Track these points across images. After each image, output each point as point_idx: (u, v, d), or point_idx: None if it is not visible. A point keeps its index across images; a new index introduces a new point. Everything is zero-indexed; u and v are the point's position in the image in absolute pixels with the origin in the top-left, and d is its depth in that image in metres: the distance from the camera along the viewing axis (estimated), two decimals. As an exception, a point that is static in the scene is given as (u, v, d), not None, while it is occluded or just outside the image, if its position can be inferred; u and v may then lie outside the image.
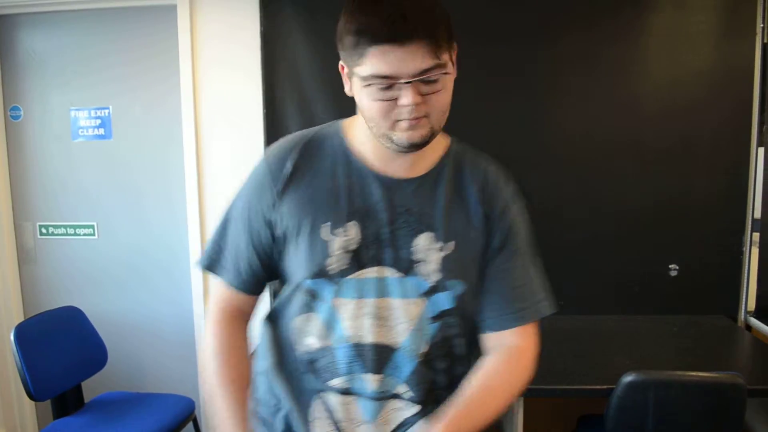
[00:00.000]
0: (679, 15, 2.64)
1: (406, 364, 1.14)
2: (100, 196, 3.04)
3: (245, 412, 1.17)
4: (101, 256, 3.07)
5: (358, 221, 1.13)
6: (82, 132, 3.01)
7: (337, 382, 1.15)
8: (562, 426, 2.49)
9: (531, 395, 2.04)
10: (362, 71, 1.02)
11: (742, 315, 2.73)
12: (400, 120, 1.04)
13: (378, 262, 1.13)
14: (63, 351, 2.58)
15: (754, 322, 2.66)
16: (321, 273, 1.12)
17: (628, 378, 1.87)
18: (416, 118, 1.03)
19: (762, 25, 2.60)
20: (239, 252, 1.20)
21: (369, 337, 1.13)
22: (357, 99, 1.09)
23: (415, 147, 1.07)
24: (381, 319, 1.13)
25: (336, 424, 1.16)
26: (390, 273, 1.13)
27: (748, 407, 1.85)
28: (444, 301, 1.14)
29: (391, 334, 1.13)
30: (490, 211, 1.19)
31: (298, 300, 1.17)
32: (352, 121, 1.21)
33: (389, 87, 1.01)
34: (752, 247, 2.70)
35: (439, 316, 1.15)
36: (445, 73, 1.04)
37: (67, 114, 3.01)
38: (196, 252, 2.93)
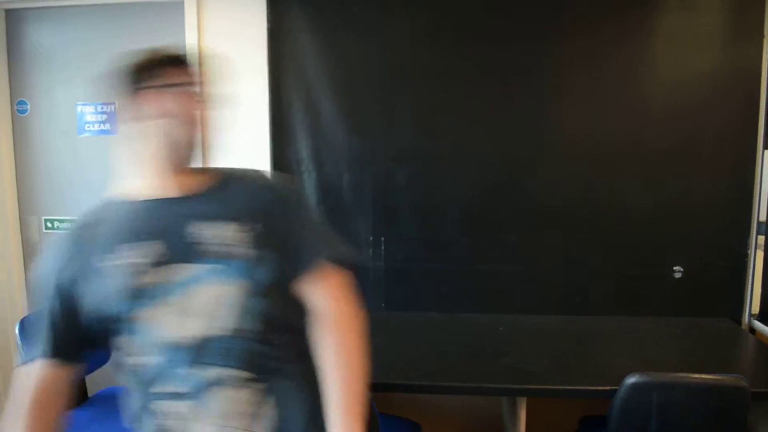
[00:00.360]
0: (686, 17, 2.64)
1: (238, 348, 1.18)
2: (107, 191, 3.03)
3: None
4: (106, 250, 3.07)
5: (137, 239, 1.19)
6: (88, 127, 3.02)
7: (168, 388, 1.18)
8: (565, 426, 2.49)
9: (533, 395, 2.04)
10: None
11: (746, 318, 2.73)
12: (169, 150, 1.27)
13: (168, 262, 1.18)
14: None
15: (758, 325, 2.66)
16: (120, 294, 1.16)
17: (631, 379, 1.87)
18: (180, 149, 1.27)
19: (770, 28, 2.60)
20: (50, 323, 1.24)
21: (185, 332, 1.17)
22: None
23: (178, 172, 1.26)
24: (189, 311, 1.17)
25: (171, 428, 1.19)
26: (202, 267, 1.18)
27: (751, 410, 1.85)
28: (260, 276, 1.20)
29: (207, 322, 1.17)
30: (271, 195, 1.31)
31: (109, 329, 1.20)
32: (115, 185, 1.33)
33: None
34: (757, 250, 2.70)
35: (259, 292, 1.20)
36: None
37: (74, 109, 3.01)
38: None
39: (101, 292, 1.17)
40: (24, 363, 1.22)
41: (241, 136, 2.87)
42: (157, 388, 1.18)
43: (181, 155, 1.26)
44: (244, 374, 1.19)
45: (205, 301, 1.17)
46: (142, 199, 1.24)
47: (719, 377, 1.87)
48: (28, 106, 3.04)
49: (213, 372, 1.17)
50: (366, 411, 1.23)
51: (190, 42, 2.82)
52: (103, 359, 2.70)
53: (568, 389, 2.01)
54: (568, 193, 2.75)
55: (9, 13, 2.98)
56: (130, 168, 1.28)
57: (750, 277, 2.71)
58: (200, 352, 1.16)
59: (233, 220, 1.22)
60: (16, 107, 3.05)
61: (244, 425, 1.19)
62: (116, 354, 1.23)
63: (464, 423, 2.89)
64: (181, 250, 1.18)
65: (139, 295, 1.16)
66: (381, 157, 2.79)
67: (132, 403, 1.23)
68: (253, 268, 1.20)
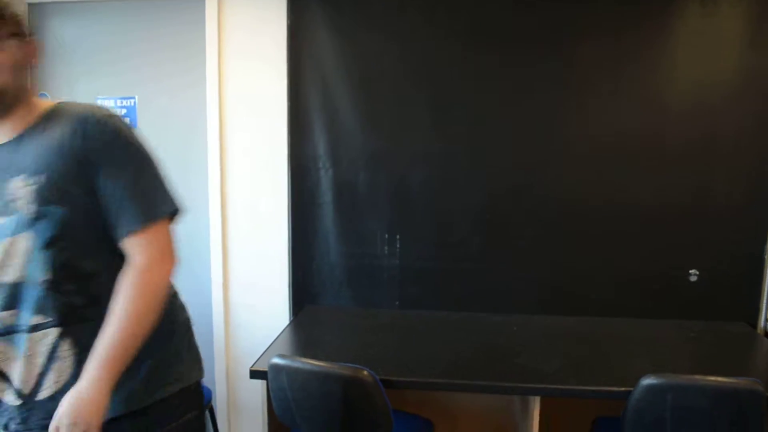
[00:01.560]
0: (706, 22, 2.62)
1: (35, 294, 1.29)
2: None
3: None
4: (123, 243, 3.10)
5: None
6: (107, 121, 3.04)
7: None
8: (578, 427, 2.48)
9: (548, 395, 2.04)
10: None
11: (762, 322, 2.71)
12: None
13: None
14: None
15: (774, 329, 2.64)
16: None
17: (646, 381, 1.86)
18: None
19: (791, 31, 2.58)
20: None
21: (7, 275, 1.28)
22: None
23: None
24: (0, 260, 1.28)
25: None
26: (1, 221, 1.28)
27: (767, 414, 1.84)
28: (46, 228, 1.27)
29: (12, 271, 1.28)
30: (82, 140, 1.29)
31: None
32: None
33: None
34: (774, 255, 2.69)
35: (49, 243, 1.28)
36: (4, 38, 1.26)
37: (94, 102, 3.04)
38: (216, 242, 2.96)
39: None
40: None
41: (259, 132, 2.89)
42: None
43: None
44: (39, 319, 1.29)
45: (6, 251, 1.28)
46: None
47: (734, 380, 1.86)
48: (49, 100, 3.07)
49: (11, 315, 1.30)
50: (121, 362, 1.27)
51: (210, 38, 2.84)
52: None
53: (581, 389, 2.01)
54: (585, 195, 2.74)
55: (32, 7, 3.01)
56: None
57: (766, 281, 2.70)
58: (3, 297, 1.29)
59: (22, 172, 1.28)
60: (37, 100, 3.08)
61: (44, 364, 1.31)
62: None
63: (477, 422, 2.89)
64: None
65: None
66: (397, 156, 2.80)
67: None
68: (34, 223, 1.27)
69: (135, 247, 1.33)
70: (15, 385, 1.32)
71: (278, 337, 2.49)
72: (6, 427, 1.35)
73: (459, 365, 2.19)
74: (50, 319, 1.30)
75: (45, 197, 1.27)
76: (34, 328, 1.29)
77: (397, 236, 2.83)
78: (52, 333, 1.30)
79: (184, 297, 3.17)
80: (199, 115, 2.94)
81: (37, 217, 1.27)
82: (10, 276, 1.28)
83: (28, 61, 1.32)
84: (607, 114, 2.70)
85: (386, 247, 2.84)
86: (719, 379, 1.87)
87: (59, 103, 1.38)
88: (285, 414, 2.05)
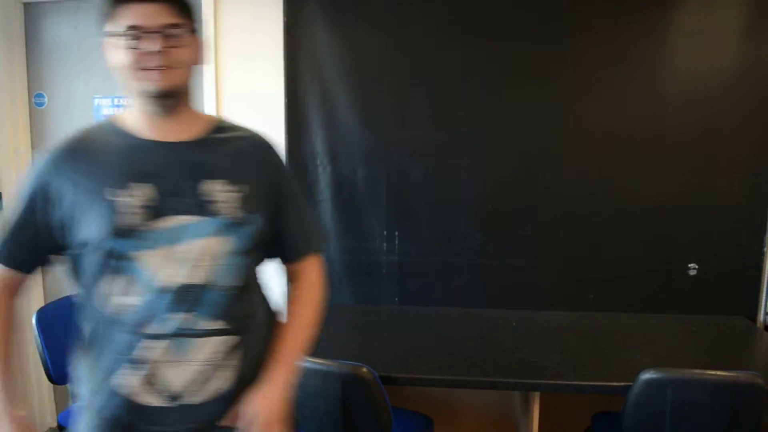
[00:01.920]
0: (705, 13, 2.61)
1: (216, 299, 1.26)
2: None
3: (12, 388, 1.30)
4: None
5: (150, 182, 1.24)
6: (105, 120, 3.04)
7: (151, 329, 1.23)
8: (578, 422, 2.48)
9: (548, 390, 2.04)
10: (116, 28, 1.20)
11: (761, 316, 2.71)
12: (147, 69, 1.20)
13: (173, 210, 1.24)
14: (83, 336, 2.61)
15: (774, 323, 2.64)
16: (119, 231, 1.21)
17: (646, 375, 1.86)
18: (160, 67, 1.20)
19: (789, 24, 2.57)
20: (17, 234, 1.30)
21: (178, 280, 1.23)
22: (113, 62, 1.24)
23: (163, 95, 1.24)
24: (185, 261, 1.24)
25: (151, 368, 1.24)
26: (187, 218, 1.25)
27: (766, 407, 1.84)
28: (248, 235, 1.30)
29: (199, 273, 1.24)
30: (270, 158, 1.42)
31: (98, 265, 1.24)
32: (119, 113, 1.36)
33: (138, 38, 1.19)
34: (773, 248, 2.68)
35: (247, 251, 1.30)
36: (187, 32, 1.24)
37: (91, 102, 3.04)
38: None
39: (97, 224, 1.22)
40: None
41: (257, 129, 2.87)
42: (136, 329, 1.23)
43: (156, 104, 1.26)
44: (219, 324, 1.26)
45: (192, 252, 1.24)
46: (140, 136, 1.29)
47: (734, 374, 1.86)
48: (46, 99, 3.07)
49: (190, 319, 1.24)
50: (294, 368, 1.39)
51: (207, 35, 2.83)
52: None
53: (581, 384, 2.00)
54: (584, 189, 2.74)
55: (27, 6, 3.00)
56: (126, 101, 1.34)
57: (766, 275, 2.69)
58: (181, 298, 1.23)
59: (220, 176, 1.28)
60: (33, 100, 3.08)
61: (212, 372, 1.27)
62: (91, 291, 1.27)
63: (477, 417, 2.89)
64: (173, 200, 1.24)
65: (132, 235, 1.22)
66: (396, 152, 2.80)
67: (104, 340, 1.27)
68: (237, 228, 1.28)
69: (312, 266, 1.49)
70: (172, 388, 1.25)
71: (277, 335, 2.49)
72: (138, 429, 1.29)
73: (459, 361, 2.19)
74: (230, 326, 1.28)
75: (250, 206, 1.30)
76: (212, 334, 1.26)
77: (396, 232, 2.83)
78: (229, 341, 1.28)
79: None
80: (197, 113, 2.93)
81: (242, 224, 1.29)
82: (196, 278, 1.24)
83: (200, 60, 1.31)
84: (606, 108, 2.70)
85: (385, 243, 2.84)
86: (719, 373, 1.87)
87: (220, 118, 1.43)
88: (285, 412, 2.04)
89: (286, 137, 2.84)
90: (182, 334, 1.24)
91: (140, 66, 1.20)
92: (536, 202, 2.77)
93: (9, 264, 1.32)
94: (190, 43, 1.25)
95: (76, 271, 1.31)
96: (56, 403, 3.21)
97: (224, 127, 1.39)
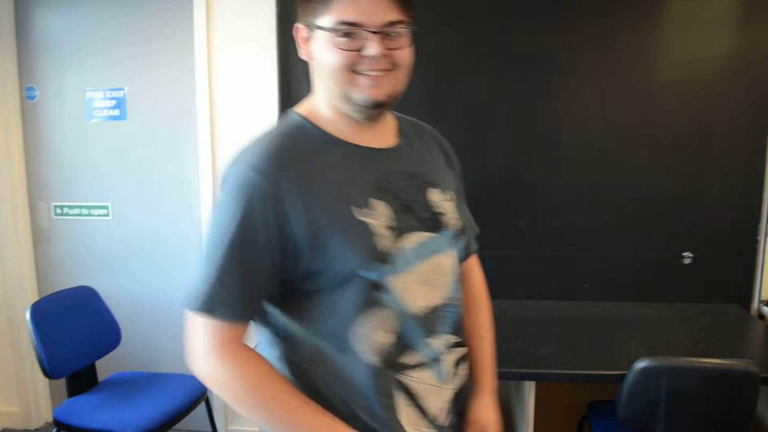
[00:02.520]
0: (697, 1, 2.61)
1: (454, 315, 1.20)
2: (115, 177, 3.05)
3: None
4: (115, 236, 3.09)
5: (378, 196, 1.09)
6: (97, 113, 3.02)
7: (412, 359, 1.12)
8: (574, 411, 2.49)
9: (543, 379, 2.04)
10: (327, 21, 1.01)
11: (755, 304, 2.72)
12: (362, 74, 1.04)
13: (411, 228, 1.11)
14: (78, 330, 2.60)
15: (768, 311, 2.65)
16: (374, 255, 1.05)
17: (641, 364, 1.86)
18: (380, 71, 1.04)
19: (783, 11, 2.57)
20: (244, 279, 1.05)
21: (426, 303, 1.13)
22: (317, 58, 1.07)
23: (378, 106, 1.08)
24: (427, 281, 1.13)
25: (418, 400, 1.13)
26: (423, 235, 1.13)
27: (761, 395, 1.85)
28: (463, 246, 1.26)
29: (441, 292, 1.16)
30: (451, 162, 1.31)
31: (351, 302, 1.07)
32: (309, 107, 1.17)
33: (354, 37, 1.01)
34: (767, 237, 2.68)
35: (461, 260, 1.26)
36: (409, 31, 1.07)
37: (83, 94, 3.02)
38: (209, 234, 2.94)
39: (352, 250, 1.04)
40: (217, 319, 1.06)
41: (250, 123, 2.86)
42: (395, 364, 1.10)
43: (365, 112, 1.09)
44: (455, 338, 1.21)
45: (433, 270, 1.14)
46: (353, 142, 1.13)
47: (729, 362, 1.87)
48: (37, 92, 3.05)
49: (442, 339, 1.17)
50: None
51: (199, 26, 2.81)
52: (114, 343, 2.72)
53: (576, 373, 2.01)
54: (578, 179, 2.73)
55: (18, -1, 2.98)
56: (324, 102, 1.14)
57: (760, 264, 2.70)
58: (433, 320, 1.14)
59: (435, 184, 1.19)
60: (25, 93, 3.05)
61: (454, 387, 1.21)
62: (340, 331, 1.08)
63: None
64: (408, 215, 1.11)
65: (386, 260, 1.06)
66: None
67: (365, 374, 1.08)
68: (458, 239, 1.21)
69: (476, 264, 1.45)
70: (433, 415, 1.16)
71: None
72: None
73: (454, 352, 2.18)
74: (460, 339, 1.23)
75: (461, 215, 1.25)
76: (451, 349, 1.19)
77: (391, 224, 2.82)
78: (459, 352, 1.22)
79: (178, 290, 3.16)
80: (190, 105, 2.91)
81: (462, 234, 1.23)
82: (437, 298, 1.15)
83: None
84: (600, 99, 2.69)
85: (379, 236, 2.83)
86: (714, 361, 1.88)
87: (399, 115, 1.29)
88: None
89: (279, 129, 2.82)
90: (435, 359, 1.15)
91: (356, 70, 1.03)
92: (529, 193, 2.76)
93: (235, 317, 1.06)
94: (410, 44, 1.09)
95: (318, 310, 1.09)
96: (51, 398, 3.21)
97: (402, 123, 1.26)
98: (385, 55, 1.03)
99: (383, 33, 1.02)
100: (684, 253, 2.72)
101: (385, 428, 1.10)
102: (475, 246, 1.41)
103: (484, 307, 1.41)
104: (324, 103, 1.13)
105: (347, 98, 1.07)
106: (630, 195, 2.72)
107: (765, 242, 2.69)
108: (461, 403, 1.24)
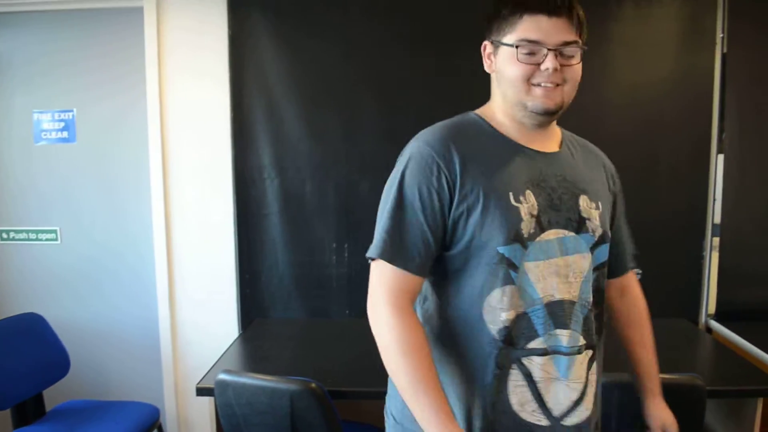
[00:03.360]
0: (641, 25, 2.70)
1: (581, 315, 1.26)
2: (64, 201, 2.99)
3: (449, 409, 1.17)
4: (64, 261, 3.02)
5: (532, 190, 1.23)
6: (45, 135, 2.96)
7: (534, 344, 1.21)
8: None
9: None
10: (512, 38, 1.20)
11: (702, 318, 2.79)
12: (538, 85, 1.20)
13: (555, 224, 1.23)
14: (24, 358, 2.53)
15: (715, 324, 2.72)
16: (516, 237, 1.18)
17: (591, 380, 1.88)
18: (552, 84, 1.20)
19: (722, 35, 2.67)
20: (417, 236, 1.21)
21: (557, 295, 1.22)
22: (499, 70, 1.26)
23: (549, 113, 1.24)
24: (564, 276, 1.23)
25: (534, 385, 1.22)
26: (565, 233, 1.24)
27: (708, 408, 1.89)
28: (604, 252, 1.30)
29: (572, 289, 1.24)
30: (612, 179, 1.44)
31: (486, 275, 1.20)
32: (485, 110, 1.36)
33: (533, 53, 1.19)
34: (712, 252, 2.76)
35: (599, 267, 1.30)
36: (580, 49, 1.23)
37: (30, 116, 2.95)
38: (161, 257, 2.90)
39: (499, 228, 1.18)
40: (396, 267, 1.22)
41: (202, 144, 2.84)
42: (519, 344, 1.21)
43: (538, 120, 1.26)
44: (583, 340, 1.25)
45: (568, 267, 1.23)
46: (520, 143, 1.28)
47: (675, 376, 1.90)
48: (-18, 114, 2.98)
49: (566, 335, 1.22)
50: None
51: (150, 48, 2.79)
52: (62, 371, 2.65)
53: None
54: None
55: (-38, 18, 2.91)
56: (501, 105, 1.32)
57: (706, 279, 2.77)
58: (562, 313, 1.22)
59: (587, 192, 1.29)
60: (-31, 115, 2.98)
61: (582, 389, 1.25)
62: (474, 301, 1.22)
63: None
64: (556, 213, 1.24)
65: (525, 245, 1.19)
66: (344, 164, 2.79)
67: (479, 356, 1.22)
68: (597, 246, 1.28)
69: (635, 281, 1.56)
70: (549, 407, 1.22)
71: (226, 353, 2.45)
72: None
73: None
74: (588, 341, 1.26)
75: (604, 224, 1.31)
76: (579, 350, 1.24)
77: (346, 245, 2.82)
78: (589, 356, 1.27)
79: (129, 314, 3.11)
80: (141, 128, 2.88)
81: (602, 242, 1.29)
82: (570, 294, 1.23)
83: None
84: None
85: (335, 256, 2.83)
86: (661, 375, 1.91)
87: (562, 130, 1.43)
88: (234, 430, 2.01)
89: (232, 150, 2.81)
90: (559, 351, 1.22)
91: (533, 82, 1.21)
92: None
93: (412, 269, 1.21)
94: (580, 60, 1.25)
95: (456, 277, 1.24)
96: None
97: (568, 138, 1.41)
98: (558, 70, 1.19)
99: (558, 51, 1.19)
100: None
101: (488, 395, 1.21)
102: (631, 264, 1.52)
103: (645, 321, 1.56)
104: (499, 109, 1.31)
105: (522, 105, 1.23)
106: (580, 213, 2.77)
107: (710, 258, 2.76)
108: (593, 410, 1.29)
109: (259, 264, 2.86)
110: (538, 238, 1.20)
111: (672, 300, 2.79)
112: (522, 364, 1.21)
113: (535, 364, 1.21)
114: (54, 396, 2.66)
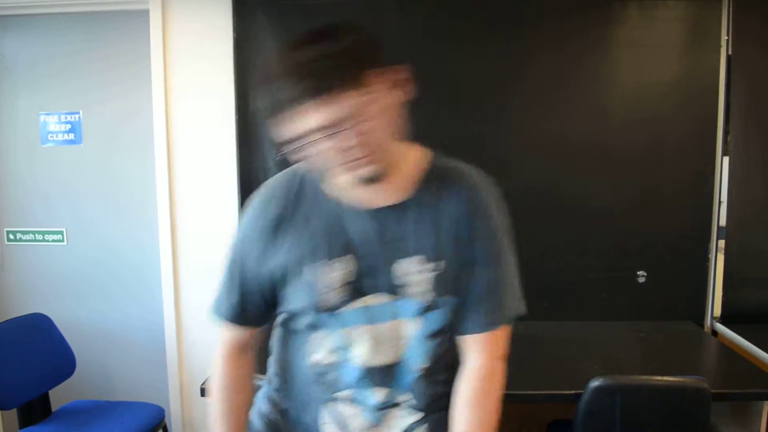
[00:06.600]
0: (646, 27, 2.69)
1: (407, 377, 1.21)
2: (70, 202, 3.00)
3: None
4: (70, 262, 3.03)
5: (351, 254, 1.16)
6: (51, 137, 2.98)
7: (343, 394, 1.23)
8: (533, 431, 2.51)
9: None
10: (302, 130, 1.04)
11: (708, 321, 2.78)
12: (349, 161, 1.06)
13: (374, 289, 1.17)
14: (30, 359, 2.54)
15: (720, 327, 2.71)
16: (322, 307, 1.16)
17: (595, 383, 1.89)
18: (361, 157, 1.06)
19: (726, 38, 2.66)
20: (238, 292, 1.25)
21: (374, 360, 1.19)
22: (314, 157, 1.10)
23: (373, 180, 1.10)
24: (384, 341, 1.19)
25: (342, 429, 1.24)
26: (386, 298, 1.17)
27: (713, 411, 1.89)
28: (437, 318, 1.19)
29: (394, 353, 1.19)
30: (474, 223, 1.20)
31: (302, 335, 1.24)
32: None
33: (330, 137, 1.03)
34: (718, 254, 2.76)
35: (436, 333, 1.20)
36: (373, 100, 1.05)
37: (36, 118, 2.97)
38: (167, 258, 2.90)
39: (301, 297, 1.18)
40: (215, 319, 1.29)
41: (208, 146, 2.85)
42: (338, 390, 1.23)
43: (366, 182, 1.11)
44: (406, 397, 1.22)
45: (386, 333, 1.18)
46: (342, 200, 1.18)
47: (681, 379, 1.91)
48: (-11, 116, 3.00)
49: (384, 393, 1.21)
50: None
51: (156, 51, 2.80)
52: (68, 372, 2.66)
53: (533, 394, 2.03)
54: (533, 200, 2.77)
55: (-30, 21, 2.93)
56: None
57: (711, 281, 2.77)
58: (375, 375, 1.20)
59: (418, 252, 1.16)
60: (-24, 117, 3.00)
61: None
62: (296, 348, 1.26)
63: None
64: (370, 279, 1.16)
65: (333, 314, 1.17)
66: (349, 166, 2.79)
67: (303, 395, 1.28)
68: (426, 311, 1.18)
69: (482, 344, 1.21)
70: None
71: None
72: None
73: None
74: (416, 401, 1.23)
75: (443, 287, 1.16)
76: (397, 405, 1.22)
77: (350, 247, 2.82)
78: (413, 416, 1.23)
79: (135, 315, 3.11)
80: (147, 130, 2.89)
81: (432, 307, 1.17)
82: (385, 358, 1.19)
83: (393, 101, 1.12)
84: (554, 122, 2.75)
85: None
86: (666, 378, 1.92)
87: (436, 157, 1.26)
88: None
89: (237, 153, 2.82)
90: (375, 409, 1.22)
91: (341, 161, 1.06)
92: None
93: (236, 321, 1.27)
94: (383, 109, 1.08)
95: (283, 327, 1.30)
96: (3, 429, 3.11)
97: (436, 173, 1.22)
98: (359, 143, 1.04)
99: (333, 134, 1.03)
100: (638, 272, 2.78)
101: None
102: (484, 325, 1.20)
103: (471, 404, 1.19)
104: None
105: (344, 177, 1.12)
106: (584, 215, 2.77)
107: (716, 260, 2.76)
108: None
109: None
110: (352, 305, 1.16)
111: (677, 302, 2.79)
112: (329, 406, 1.24)
113: (340, 410, 1.23)
114: (60, 396, 2.68)
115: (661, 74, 2.72)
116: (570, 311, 2.80)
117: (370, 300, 1.17)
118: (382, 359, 1.19)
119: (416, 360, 1.20)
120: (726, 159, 2.71)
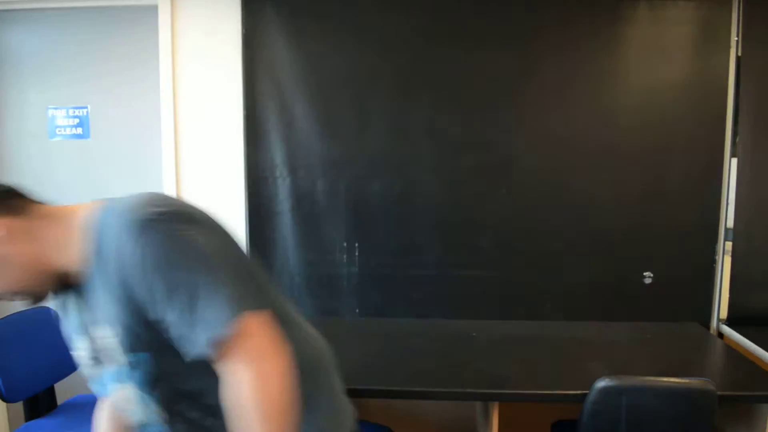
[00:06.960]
0: (655, 28, 2.69)
1: (158, 428, 1.26)
2: (78, 196, 3.00)
3: None
4: (77, 256, 3.03)
5: (81, 336, 1.26)
6: (59, 131, 2.98)
7: None
8: (537, 431, 2.50)
9: (506, 400, 2.05)
10: None
11: (714, 322, 2.77)
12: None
13: (98, 363, 1.24)
14: (36, 352, 2.54)
15: (726, 329, 2.70)
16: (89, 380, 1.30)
17: (601, 383, 1.88)
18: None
19: (736, 38, 2.65)
20: (253, 281, 1.28)
21: (132, 420, 1.29)
22: None
23: (39, 299, 1.23)
24: (123, 407, 1.28)
25: None
26: (103, 370, 1.24)
27: (719, 413, 1.88)
28: (143, 376, 1.17)
29: (134, 416, 1.27)
30: (122, 287, 1.09)
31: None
32: None
33: None
34: (725, 256, 2.75)
35: (152, 387, 1.18)
36: None
37: (45, 113, 2.98)
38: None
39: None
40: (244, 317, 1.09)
41: (215, 142, 2.86)
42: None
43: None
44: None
45: (122, 399, 1.25)
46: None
47: (687, 381, 1.90)
48: (-2, 110, 3.01)
49: None
50: None
51: (164, 46, 2.80)
52: (74, 365, 2.66)
53: (539, 394, 2.02)
54: (540, 201, 2.77)
55: (-21, 15, 2.94)
56: None
57: (718, 283, 2.76)
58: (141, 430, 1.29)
59: (102, 321, 1.16)
60: (-15, 111, 3.01)
61: None
62: None
63: (437, 428, 2.89)
64: (92, 351, 1.24)
65: (93, 384, 1.29)
66: (355, 163, 2.80)
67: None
68: (131, 373, 1.17)
69: (227, 355, 1.07)
70: None
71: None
72: None
73: (418, 372, 2.19)
74: None
75: (130, 347, 1.12)
76: None
77: (356, 244, 2.83)
78: None
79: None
80: (154, 125, 2.89)
81: (132, 368, 1.15)
82: (135, 418, 1.27)
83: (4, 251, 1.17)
84: (562, 122, 2.74)
85: (345, 255, 2.83)
86: (672, 380, 1.91)
87: (92, 212, 1.21)
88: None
89: (244, 149, 2.82)
90: None
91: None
92: (494, 213, 2.79)
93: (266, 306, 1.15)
94: None
95: None
96: (9, 423, 3.12)
97: (95, 237, 1.14)
98: None
99: None
100: (645, 273, 2.77)
101: None
102: (197, 345, 1.05)
103: (230, 411, 1.06)
104: None
105: None
106: (591, 216, 2.77)
107: (722, 262, 2.75)
108: None
109: (270, 262, 2.86)
110: (97, 377, 1.27)
111: (684, 304, 2.78)
112: None
113: None
114: (65, 389, 2.68)
115: (670, 75, 2.71)
116: (575, 311, 2.80)
117: (104, 369, 1.24)
118: (136, 420, 1.28)
119: (153, 415, 1.24)
120: (734, 160, 2.70)
